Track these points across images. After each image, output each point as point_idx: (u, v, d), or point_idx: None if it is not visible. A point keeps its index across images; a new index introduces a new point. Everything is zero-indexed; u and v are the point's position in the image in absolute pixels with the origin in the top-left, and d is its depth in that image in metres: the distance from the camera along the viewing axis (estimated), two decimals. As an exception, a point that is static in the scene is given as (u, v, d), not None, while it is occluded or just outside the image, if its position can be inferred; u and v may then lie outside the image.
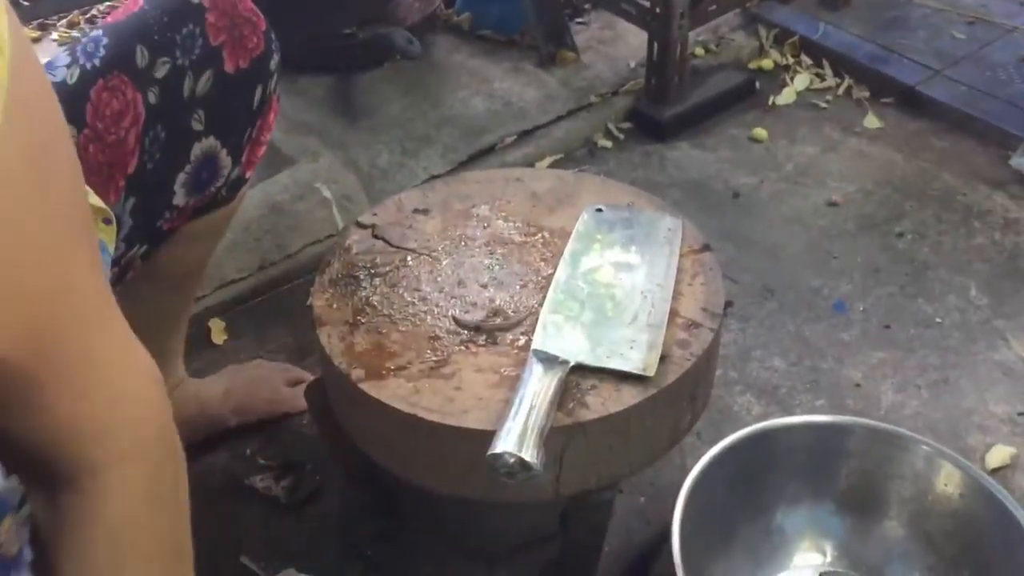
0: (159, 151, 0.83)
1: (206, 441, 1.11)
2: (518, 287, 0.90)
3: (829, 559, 0.97)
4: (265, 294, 1.34)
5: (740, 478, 0.95)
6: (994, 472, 1.07)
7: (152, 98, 0.82)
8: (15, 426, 0.52)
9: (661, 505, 0.97)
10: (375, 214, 1.00)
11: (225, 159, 0.89)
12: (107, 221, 0.75)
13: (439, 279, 0.91)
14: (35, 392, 0.51)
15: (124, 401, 0.55)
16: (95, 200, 0.74)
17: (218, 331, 1.29)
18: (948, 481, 0.93)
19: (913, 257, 1.37)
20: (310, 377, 1.09)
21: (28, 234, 0.48)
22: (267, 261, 1.36)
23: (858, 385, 1.19)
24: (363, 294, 0.90)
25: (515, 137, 1.58)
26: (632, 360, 0.82)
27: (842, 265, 1.36)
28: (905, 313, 1.28)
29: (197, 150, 0.86)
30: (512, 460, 0.73)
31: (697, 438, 1.07)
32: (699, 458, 0.93)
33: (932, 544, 0.94)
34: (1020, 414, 1.14)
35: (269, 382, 1.16)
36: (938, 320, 1.27)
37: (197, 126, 0.85)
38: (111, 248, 0.77)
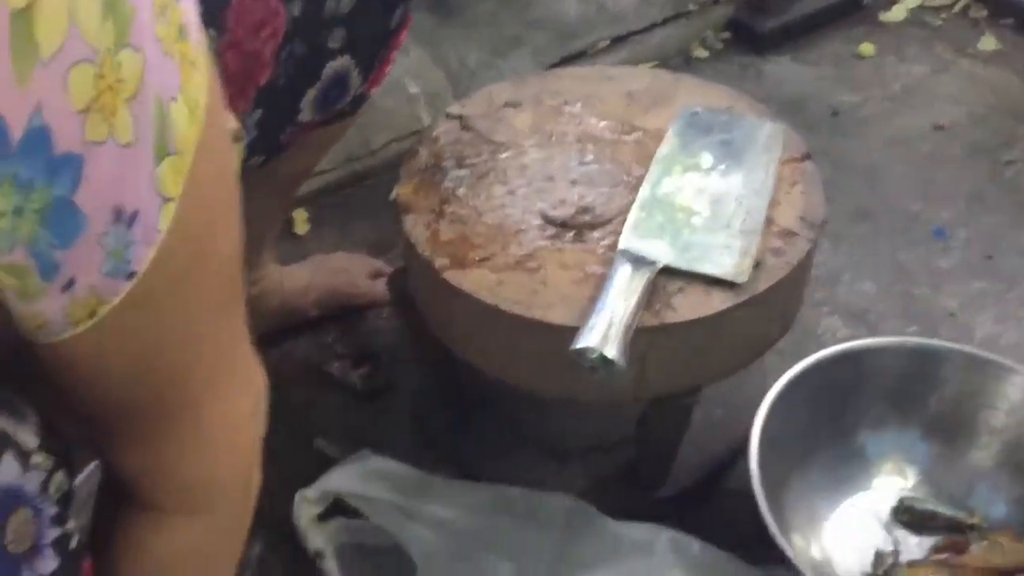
0: (293, 66, 0.81)
1: (287, 328, 1.13)
2: (608, 186, 0.88)
3: (911, 484, 0.94)
4: (348, 188, 1.34)
5: (824, 397, 0.92)
6: (1092, 411, 1.02)
7: (295, 11, 0.79)
8: (107, 451, 0.54)
9: (738, 420, 0.95)
10: (464, 105, 0.98)
11: (356, 79, 0.87)
12: (237, 139, 0.74)
13: (528, 173, 0.89)
14: (135, 437, 0.52)
15: (217, 466, 0.56)
16: (231, 121, 0.73)
17: (301, 221, 1.29)
18: (1045, 414, 0.89)
19: (1021, 187, 1.30)
20: (391, 270, 1.09)
21: (174, 318, 0.48)
22: (352, 155, 1.35)
23: (953, 314, 1.14)
24: (450, 184, 0.89)
25: (608, 43, 1.53)
26: (723, 265, 0.79)
27: (945, 191, 1.30)
28: (1009, 244, 1.22)
29: (329, 69, 0.84)
30: (595, 356, 0.71)
31: (779, 356, 1.05)
32: (780, 376, 0.90)
33: (1021, 476, 0.91)
34: (1126, 354, 1.09)
35: (350, 274, 1.16)
36: (1044, 253, 1.21)
37: (334, 44, 0.83)
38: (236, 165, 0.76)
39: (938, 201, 1.29)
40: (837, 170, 1.32)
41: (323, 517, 0.92)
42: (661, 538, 0.87)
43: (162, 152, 0.42)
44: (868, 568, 0.89)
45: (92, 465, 0.71)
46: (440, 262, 0.82)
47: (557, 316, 0.77)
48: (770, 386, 0.90)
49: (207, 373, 0.52)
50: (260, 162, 0.88)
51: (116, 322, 0.44)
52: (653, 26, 1.56)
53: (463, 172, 0.90)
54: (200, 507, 0.56)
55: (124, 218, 0.41)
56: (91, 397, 0.49)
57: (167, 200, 0.43)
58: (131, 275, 0.43)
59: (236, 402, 0.55)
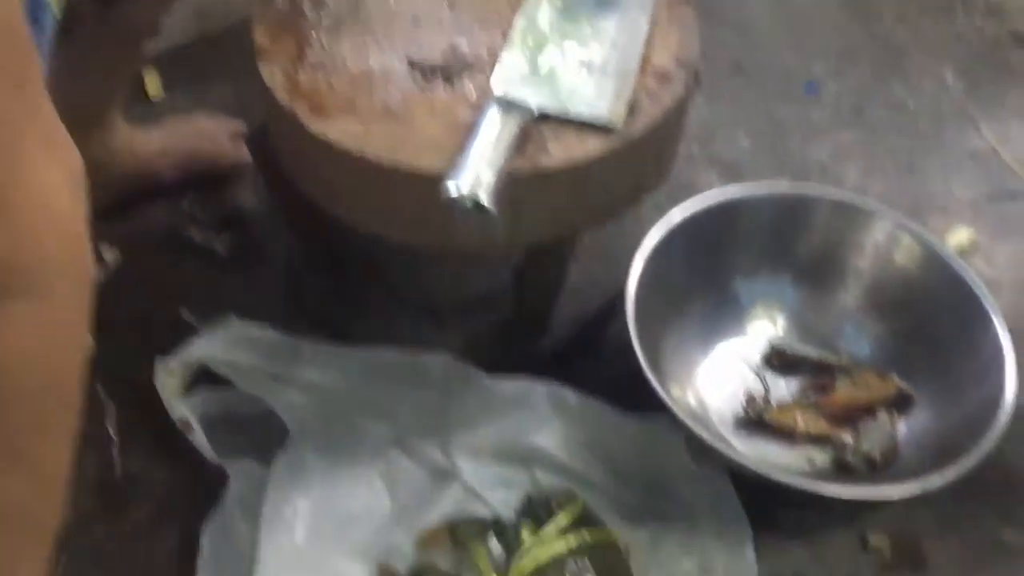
0: None
1: (142, 194, 1.06)
2: (479, 30, 0.83)
3: (781, 329, 0.96)
4: (202, 48, 1.25)
5: (699, 246, 0.93)
6: (951, 255, 1.06)
7: None
8: None
9: (616, 272, 0.94)
10: (323, -55, 0.90)
11: None
12: None
13: (393, 17, 0.84)
14: None
15: (37, 242, 0.51)
16: None
17: (153, 85, 1.20)
18: (907, 254, 0.92)
19: (891, 41, 1.31)
20: (252, 130, 1.03)
21: None
22: (204, 10, 1.25)
23: (824, 166, 1.16)
24: (310, 29, 0.82)
25: None
26: (598, 109, 0.77)
27: (817, 45, 1.30)
28: (878, 96, 1.24)
29: None
30: (466, 201, 0.68)
31: (657, 210, 1.04)
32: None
33: (884, 316, 0.94)
34: (987, 199, 1.12)
35: (209, 135, 1.09)
36: (911, 105, 1.23)
37: None
38: (56, 7, 0.68)
39: (811, 55, 1.29)
40: (712, 25, 1.28)
41: (190, 387, 0.89)
42: (538, 391, 0.87)
43: None
44: (740, 411, 0.91)
45: None
46: (301, 111, 0.77)
47: (427, 163, 0.73)
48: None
49: None
50: (97, 7, 0.80)
51: None
52: None
53: (323, 16, 0.83)
54: (29, 287, 0.52)
55: None
56: None
57: None
58: None
59: (43, 174, 0.51)
